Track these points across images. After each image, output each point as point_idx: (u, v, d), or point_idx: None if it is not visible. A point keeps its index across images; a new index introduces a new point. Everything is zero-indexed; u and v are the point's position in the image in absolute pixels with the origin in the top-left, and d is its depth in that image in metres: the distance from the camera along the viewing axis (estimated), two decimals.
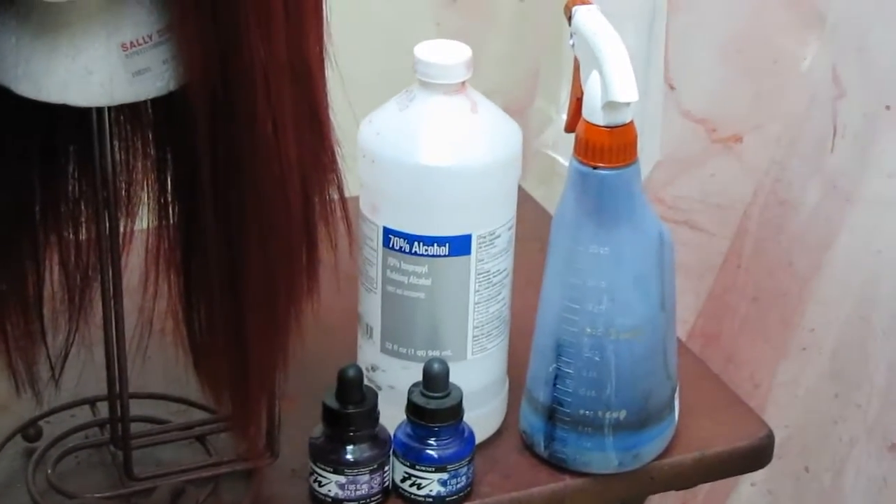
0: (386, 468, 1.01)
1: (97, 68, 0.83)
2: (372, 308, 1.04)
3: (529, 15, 1.56)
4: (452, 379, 1.01)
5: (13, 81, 0.84)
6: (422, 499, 1.01)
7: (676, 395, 1.08)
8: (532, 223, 1.26)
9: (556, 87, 1.58)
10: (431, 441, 1.00)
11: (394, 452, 1.01)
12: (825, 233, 1.32)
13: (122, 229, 0.98)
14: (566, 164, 1.37)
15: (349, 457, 0.99)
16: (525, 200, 1.06)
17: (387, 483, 1.01)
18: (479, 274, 1.02)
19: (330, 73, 0.89)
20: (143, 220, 1.00)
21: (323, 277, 0.93)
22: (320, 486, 1.00)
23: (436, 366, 1.00)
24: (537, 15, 1.55)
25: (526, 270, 1.13)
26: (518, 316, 1.09)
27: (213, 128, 0.84)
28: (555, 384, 1.03)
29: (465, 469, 1.01)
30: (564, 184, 1.01)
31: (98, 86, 0.83)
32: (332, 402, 0.99)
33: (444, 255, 1.01)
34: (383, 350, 1.05)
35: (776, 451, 1.13)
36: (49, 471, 1.02)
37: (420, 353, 1.04)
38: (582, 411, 1.03)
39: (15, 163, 0.95)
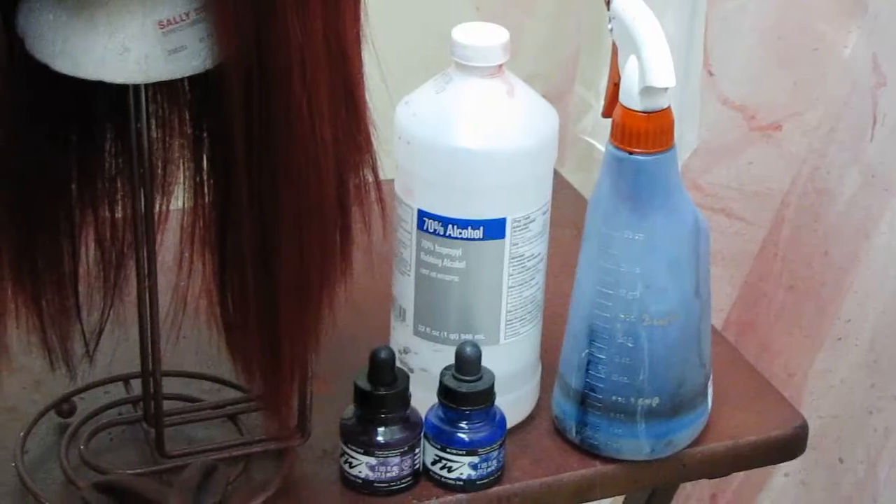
0: (417, 451, 1.01)
1: (134, 46, 0.83)
2: (405, 290, 1.04)
3: (570, 0, 1.55)
4: (485, 363, 1.01)
5: (51, 58, 0.85)
6: (452, 482, 1.01)
7: (710, 383, 1.08)
8: (569, 209, 1.26)
9: (595, 74, 1.57)
10: (463, 424, 1.00)
11: (425, 435, 1.01)
12: (863, 222, 1.30)
13: (157, 207, 0.98)
14: (604, 150, 1.36)
15: (380, 438, 0.99)
16: (562, 186, 1.06)
17: (417, 465, 1.01)
18: (512, 258, 1.02)
19: (367, 55, 0.89)
20: (179, 198, 1.00)
21: (357, 259, 0.93)
22: (351, 467, 1.00)
23: (468, 349, 1.00)
24: (578, 0, 1.55)
25: (561, 256, 1.13)
26: (552, 301, 1.09)
27: (248, 107, 0.84)
28: (587, 370, 1.03)
29: (495, 453, 1.01)
30: (600, 169, 1.01)
31: (134, 63, 0.84)
32: (364, 384, 0.99)
33: (479, 239, 1.01)
34: (416, 332, 1.05)
35: (810, 441, 1.12)
36: (82, 446, 1.02)
37: (453, 336, 1.04)
38: (614, 397, 1.03)
39: (52, 140, 0.95)
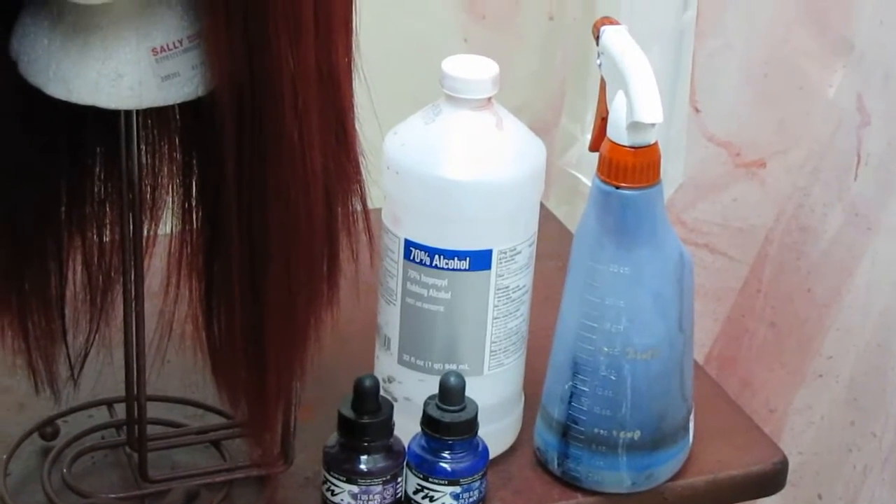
0: (399, 479, 1.01)
1: (127, 72, 0.84)
2: (391, 319, 1.05)
3: (558, 34, 1.56)
4: (468, 393, 1.01)
5: (44, 83, 0.85)
6: None
7: (691, 418, 1.08)
8: (554, 241, 1.26)
9: (582, 107, 1.58)
10: (445, 454, 1.00)
11: (407, 464, 1.02)
12: (846, 260, 1.32)
13: (145, 232, 0.99)
14: (589, 183, 1.37)
15: (363, 467, 1.00)
16: (547, 219, 1.07)
17: (399, 495, 1.02)
18: (498, 289, 1.03)
19: (357, 84, 0.90)
20: (167, 224, 1.00)
21: (343, 288, 0.93)
22: (333, 494, 1.00)
23: (452, 379, 1.00)
24: (566, 34, 1.56)
25: (545, 288, 1.13)
26: (535, 333, 1.09)
27: (239, 134, 0.84)
28: (570, 402, 1.03)
29: (478, 483, 1.01)
30: (586, 202, 1.01)
31: (127, 89, 0.84)
32: (348, 412, 1.00)
33: (465, 270, 1.01)
34: (400, 362, 1.05)
35: (790, 477, 1.13)
36: (65, 470, 1.02)
37: (437, 366, 1.04)
38: (596, 430, 1.03)
39: (42, 163, 0.95)
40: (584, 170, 1.58)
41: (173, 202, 0.99)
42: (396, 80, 1.29)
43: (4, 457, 1.03)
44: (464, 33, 1.54)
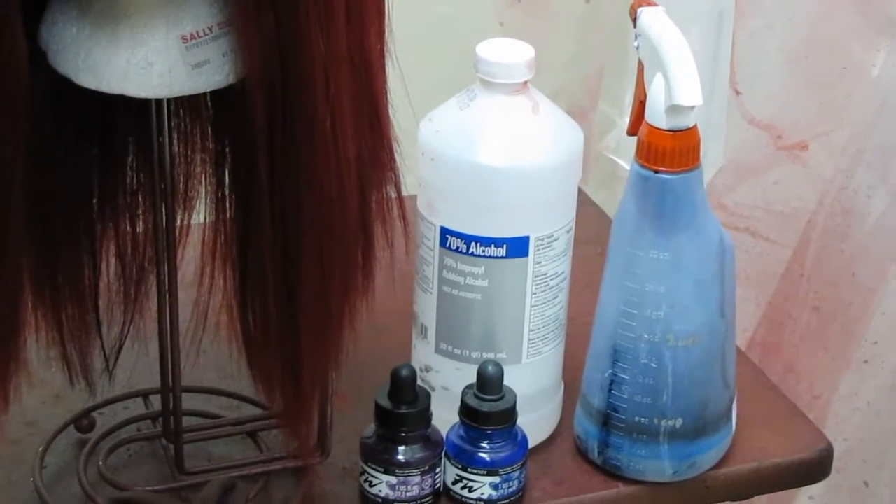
0: (437, 470, 1.00)
1: (157, 60, 0.83)
2: (427, 308, 1.04)
3: (594, 17, 1.55)
4: (507, 382, 1.00)
5: (74, 72, 0.84)
6: (473, 502, 1.00)
7: (734, 405, 1.07)
8: (592, 227, 1.25)
9: (619, 91, 1.57)
10: (484, 444, 0.99)
11: (446, 454, 1.01)
12: (891, 243, 1.30)
13: (178, 222, 0.98)
14: (628, 168, 1.35)
15: (401, 457, 0.99)
16: (585, 204, 1.05)
17: (438, 485, 1.01)
18: (536, 276, 1.01)
19: (390, 70, 0.88)
20: (200, 213, 0.99)
21: (378, 276, 0.92)
22: (371, 486, 0.99)
23: (490, 368, 0.99)
24: (602, 17, 1.54)
25: (584, 274, 1.12)
26: (574, 320, 1.08)
27: (271, 122, 0.83)
28: (610, 390, 1.02)
29: (517, 473, 1.00)
30: (625, 187, 1.00)
31: (157, 77, 0.83)
32: (385, 402, 0.99)
33: (502, 257, 1.00)
34: (437, 351, 1.04)
35: (835, 464, 1.11)
36: (101, 462, 1.02)
37: (475, 354, 1.03)
38: (637, 418, 1.02)
39: (74, 154, 0.95)
40: (623, 154, 1.57)
41: (206, 191, 0.98)
42: (430, 65, 1.28)
43: (41, 449, 1.03)
44: (499, 17, 1.52)
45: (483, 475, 0.99)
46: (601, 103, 1.59)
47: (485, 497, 1.00)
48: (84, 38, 0.84)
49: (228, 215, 0.95)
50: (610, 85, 1.57)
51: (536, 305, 1.02)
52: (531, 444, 1.03)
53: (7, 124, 0.82)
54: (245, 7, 0.81)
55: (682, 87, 0.94)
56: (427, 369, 1.05)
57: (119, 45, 0.83)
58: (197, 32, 0.83)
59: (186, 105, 0.96)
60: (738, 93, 1.35)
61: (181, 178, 0.98)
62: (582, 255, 1.09)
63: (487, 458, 0.99)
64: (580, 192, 1.06)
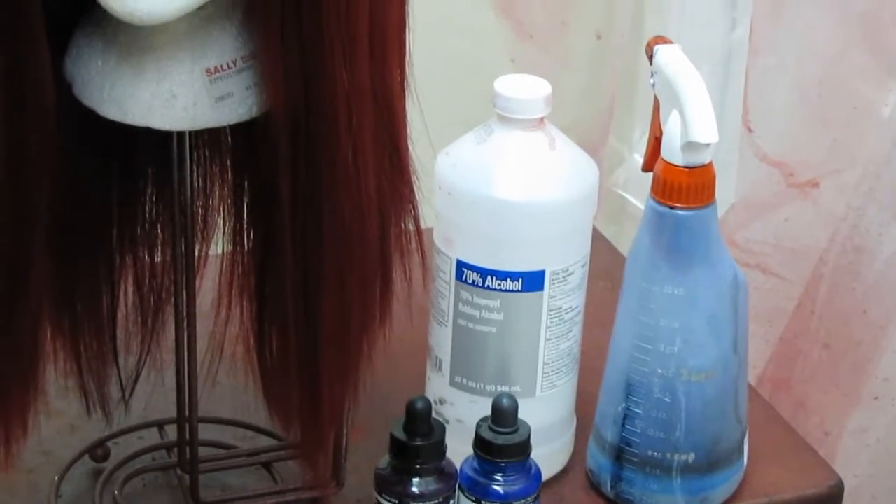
0: (451, 502, 1.00)
1: (181, 93, 0.84)
2: (442, 341, 1.04)
3: (605, 53, 1.56)
4: (521, 415, 1.00)
5: (98, 104, 0.85)
6: None
7: (746, 440, 1.07)
8: (602, 262, 1.26)
9: (629, 127, 1.57)
10: (498, 477, 1.00)
11: (460, 486, 1.01)
12: None
13: (196, 253, 0.98)
14: (637, 203, 1.36)
15: (415, 489, 0.99)
16: (596, 239, 1.06)
17: None
18: (551, 310, 1.02)
19: (409, 105, 0.89)
20: (218, 244, 1.00)
21: (395, 309, 0.93)
22: None
23: (505, 401, 0.99)
24: (613, 53, 1.55)
25: (595, 308, 1.12)
26: (586, 354, 1.08)
27: (293, 155, 0.84)
28: (623, 424, 1.02)
29: None
30: (640, 223, 1.01)
31: (182, 110, 0.84)
32: (400, 434, 0.99)
33: (517, 291, 1.01)
34: (452, 383, 1.05)
35: (845, 500, 1.11)
36: (116, 492, 1.02)
37: (489, 387, 1.03)
38: (650, 452, 1.02)
39: (95, 184, 0.95)
40: (632, 190, 1.57)
41: (225, 223, 0.99)
42: (443, 100, 1.29)
43: (56, 478, 1.03)
44: (510, 54, 1.53)
45: None
46: (611, 139, 1.59)
47: None
48: (109, 70, 0.84)
49: (246, 247, 0.96)
50: (620, 121, 1.58)
51: (551, 339, 1.03)
52: (544, 477, 1.03)
53: (32, 154, 0.83)
54: (270, 41, 0.82)
55: (698, 124, 0.95)
56: (441, 402, 1.05)
57: (144, 78, 0.84)
58: (221, 66, 0.84)
59: (207, 137, 0.97)
60: (750, 130, 1.36)
61: (200, 210, 0.99)
62: (593, 290, 1.09)
63: (501, 491, 1.00)
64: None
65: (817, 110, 1.34)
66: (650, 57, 1.01)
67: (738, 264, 1.04)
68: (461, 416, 1.04)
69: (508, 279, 1.00)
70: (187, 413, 0.99)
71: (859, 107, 1.32)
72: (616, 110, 1.58)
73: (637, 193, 1.55)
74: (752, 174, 1.38)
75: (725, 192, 1.40)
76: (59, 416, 1.08)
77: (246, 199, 0.96)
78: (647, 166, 1.03)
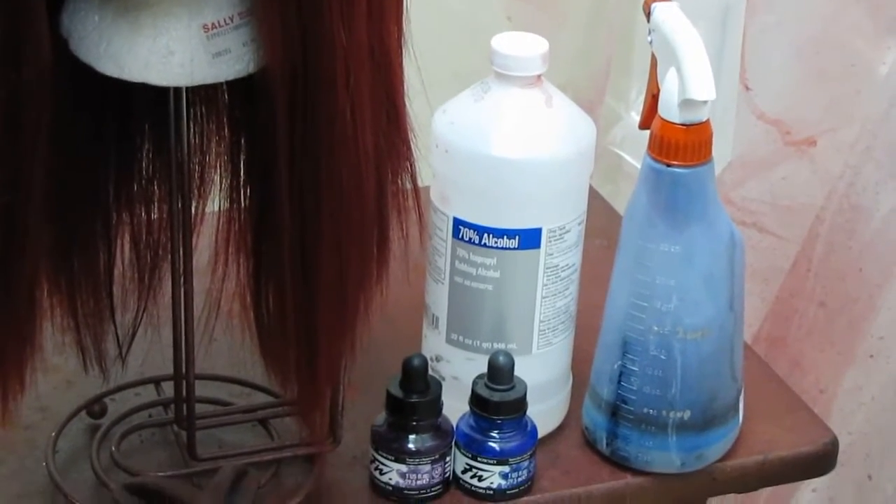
0: (447, 459, 1.01)
1: (178, 49, 0.83)
2: (439, 298, 1.04)
3: (602, 11, 1.55)
4: (517, 372, 1.00)
5: (95, 60, 0.85)
6: (482, 491, 1.01)
7: (741, 398, 1.07)
8: (598, 220, 1.26)
9: (626, 86, 1.57)
10: (494, 434, 1.00)
11: (456, 444, 1.01)
12: None
13: (193, 210, 0.98)
14: (633, 162, 1.36)
15: (411, 446, 0.99)
16: (592, 197, 1.06)
17: (448, 474, 1.01)
18: (547, 268, 1.02)
19: (406, 62, 0.89)
20: (215, 201, 1.00)
21: (391, 266, 0.93)
22: (381, 474, 1.00)
23: (501, 358, 1.00)
24: (610, 11, 1.55)
25: (591, 267, 1.13)
26: (582, 312, 1.09)
27: (290, 112, 0.84)
28: (619, 381, 1.03)
29: (526, 463, 1.01)
30: (637, 181, 1.01)
31: (178, 66, 0.84)
32: (396, 391, 0.99)
33: (514, 248, 1.01)
34: (448, 341, 1.05)
35: (840, 457, 1.12)
36: (113, 448, 1.02)
37: (485, 345, 1.04)
38: (646, 410, 1.02)
39: (91, 140, 0.95)
40: (629, 148, 1.57)
41: (221, 180, 0.99)
42: (439, 58, 1.28)
43: (53, 434, 1.04)
44: (507, 11, 1.53)
45: (493, 464, 1.00)
46: (607, 98, 1.59)
47: (494, 486, 1.01)
48: (106, 26, 0.84)
49: (243, 204, 0.96)
50: (617, 80, 1.57)
51: (547, 297, 1.03)
52: (540, 434, 1.03)
53: (29, 111, 0.83)
54: None
55: (695, 81, 0.95)
56: (438, 359, 1.06)
57: (141, 34, 0.83)
58: (218, 21, 0.83)
59: (203, 94, 0.96)
60: (747, 88, 1.36)
61: (197, 167, 0.99)
62: (589, 248, 1.09)
63: (497, 448, 1.00)
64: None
65: (815, 68, 1.33)
66: (647, 14, 1.00)
67: (735, 223, 1.04)
68: (457, 374, 1.05)
69: (505, 237, 1.01)
70: (184, 370, 0.99)
71: (857, 65, 1.31)
72: (613, 69, 1.57)
73: (633, 152, 1.54)
74: (749, 132, 1.37)
75: (722, 151, 1.40)
76: (57, 372, 1.08)
77: (243, 156, 0.96)
78: (644, 124, 1.02)
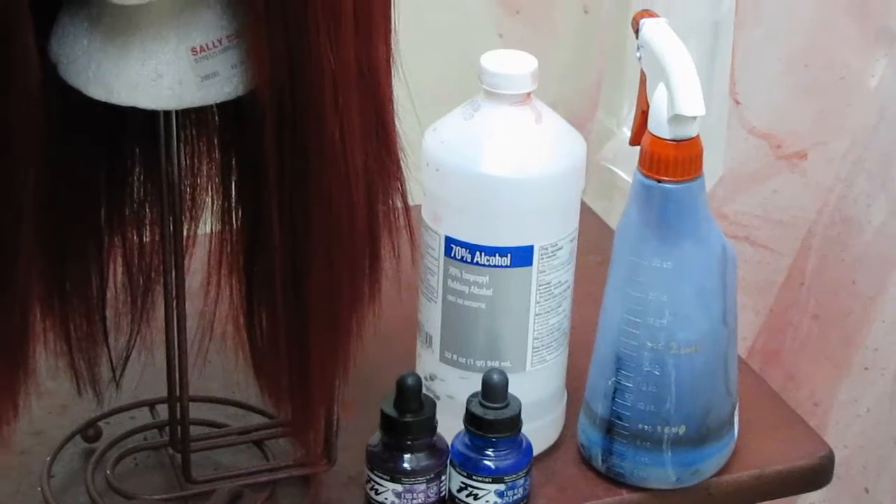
0: (443, 478, 1.01)
1: (167, 72, 0.84)
2: (432, 317, 1.04)
3: (592, 27, 1.56)
4: (511, 390, 1.00)
5: (84, 84, 0.85)
6: None
7: (736, 412, 1.07)
8: (592, 236, 1.26)
9: (617, 101, 1.57)
10: (489, 452, 1.00)
11: (451, 462, 1.01)
12: (891, 251, 1.30)
13: (185, 232, 0.98)
14: (626, 178, 1.36)
15: (406, 465, 0.99)
16: (585, 214, 1.06)
17: (443, 493, 1.01)
18: (540, 285, 1.02)
19: (396, 81, 0.89)
20: (207, 223, 1.00)
21: (384, 285, 0.93)
22: (377, 493, 1.00)
23: (495, 376, 1.00)
24: (601, 27, 1.55)
25: (585, 283, 1.13)
26: (577, 329, 1.09)
27: (279, 133, 0.84)
28: (614, 398, 1.03)
29: (522, 481, 1.01)
30: (628, 197, 1.01)
31: (167, 89, 0.84)
32: (391, 410, 0.99)
33: (506, 266, 1.01)
34: (442, 359, 1.05)
35: (836, 471, 1.12)
36: (108, 471, 1.02)
37: (479, 363, 1.03)
38: (641, 425, 1.02)
39: (82, 164, 0.95)
40: (622, 164, 1.57)
41: (213, 202, 0.99)
42: (430, 76, 1.29)
43: (48, 459, 1.04)
44: (498, 28, 1.53)
45: (488, 483, 1.00)
46: (599, 113, 1.59)
47: None
48: (94, 50, 0.84)
49: (235, 226, 0.96)
50: (608, 95, 1.57)
51: (540, 314, 1.03)
52: (535, 451, 1.03)
53: (18, 135, 0.83)
54: (254, 19, 0.82)
55: (684, 97, 0.95)
56: (432, 378, 1.06)
57: (129, 58, 0.84)
58: (207, 45, 0.84)
59: (193, 116, 0.97)
60: (737, 102, 1.36)
61: (188, 189, 0.99)
62: (583, 265, 1.09)
63: (492, 466, 1.00)
64: (580, 202, 1.07)
65: (804, 81, 1.33)
66: (636, 31, 1.01)
67: (727, 237, 1.04)
68: (452, 392, 1.05)
69: (497, 255, 1.01)
70: (178, 392, 0.99)
71: (846, 77, 1.31)
72: (604, 84, 1.58)
73: (626, 168, 1.54)
74: (741, 146, 1.38)
75: (714, 165, 1.40)
76: (50, 396, 1.08)
77: (233, 178, 0.96)
78: (635, 140, 1.03)
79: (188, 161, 0.98)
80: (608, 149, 1.59)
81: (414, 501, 1.00)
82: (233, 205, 0.96)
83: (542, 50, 1.53)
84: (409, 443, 0.99)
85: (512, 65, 1.00)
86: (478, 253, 1.01)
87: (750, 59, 1.34)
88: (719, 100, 1.39)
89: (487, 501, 1.00)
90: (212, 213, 0.99)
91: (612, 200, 1.55)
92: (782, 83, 1.34)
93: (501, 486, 1.00)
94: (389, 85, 0.88)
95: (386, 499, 1.00)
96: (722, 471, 1.07)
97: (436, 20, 1.47)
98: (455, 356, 1.04)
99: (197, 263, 1.00)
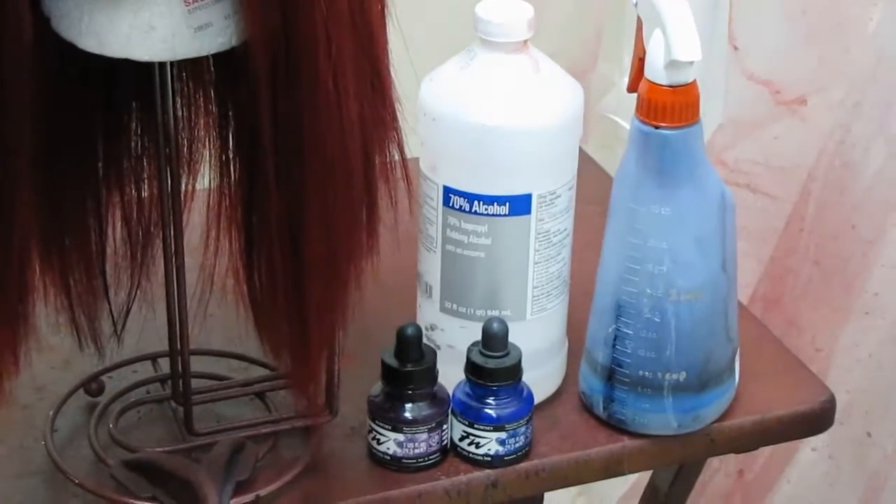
0: (444, 427, 1.01)
1: (160, 23, 0.83)
2: (431, 267, 1.04)
3: None
4: (511, 339, 1.01)
5: (76, 37, 0.85)
6: (480, 458, 1.01)
7: (737, 358, 1.08)
8: (594, 186, 1.26)
9: (618, 51, 1.57)
10: (490, 400, 1.00)
11: (452, 411, 1.01)
12: (890, 195, 1.30)
13: (183, 187, 0.99)
14: (628, 127, 1.35)
15: (408, 415, 1.00)
16: (587, 163, 1.06)
17: (445, 442, 1.02)
18: (538, 234, 1.02)
19: (391, 32, 0.89)
20: (205, 177, 1.00)
21: (383, 236, 0.93)
22: (379, 443, 1.00)
23: (495, 325, 1.00)
24: None
25: (586, 233, 1.13)
26: (577, 278, 1.09)
27: (274, 84, 0.84)
28: (614, 345, 1.03)
29: (523, 429, 1.01)
30: (626, 144, 1.01)
31: (160, 41, 0.83)
32: (392, 361, 1.00)
33: (504, 215, 1.01)
34: (442, 309, 1.05)
35: (838, 416, 1.12)
36: (111, 425, 1.03)
37: (479, 312, 1.04)
38: (641, 372, 1.03)
39: (78, 119, 0.95)
40: (623, 114, 1.57)
41: (210, 155, 0.99)
42: (426, 27, 1.28)
43: (51, 413, 1.04)
44: None
45: (490, 431, 1.00)
46: (600, 63, 1.59)
47: (492, 453, 1.01)
48: (86, 2, 0.84)
49: (233, 179, 0.96)
50: (609, 45, 1.57)
51: (540, 262, 1.03)
52: (537, 400, 1.04)
53: (13, 90, 0.83)
54: None
55: (680, 42, 0.95)
56: (432, 328, 1.06)
57: (121, 9, 0.83)
58: None
59: (189, 69, 0.96)
60: (736, 49, 1.36)
61: (185, 143, 0.99)
62: (583, 214, 1.09)
63: (494, 415, 1.00)
64: (581, 151, 1.07)
65: (802, 27, 1.33)
66: None
67: (728, 184, 1.04)
68: (452, 342, 1.05)
69: (495, 203, 1.01)
70: (179, 345, 0.99)
71: (844, 23, 1.31)
72: (605, 34, 1.57)
73: (628, 117, 1.54)
74: (740, 93, 1.37)
75: (714, 113, 1.40)
76: (53, 351, 1.08)
77: (230, 130, 0.96)
78: (632, 87, 1.02)
79: (185, 114, 0.98)
80: (610, 99, 1.59)
81: (416, 451, 1.00)
82: (230, 158, 0.96)
83: (543, 0, 1.52)
84: (410, 392, 0.99)
85: (507, 12, 1.00)
86: (476, 202, 1.01)
87: (749, 6, 1.34)
88: (718, 47, 1.38)
89: (489, 449, 1.01)
90: (210, 166, 0.99)
91: (613, 150, 1.55)
92: (781, 29, 1.34)
93: (503, 434, 1.00)
94: (384, 35, 0.88)
95: (388, 448, 1.00)
96: (723, 416, 1.07)
97: None
98: (455, 306, 1.04)
99: (196, 217, 1.00)
